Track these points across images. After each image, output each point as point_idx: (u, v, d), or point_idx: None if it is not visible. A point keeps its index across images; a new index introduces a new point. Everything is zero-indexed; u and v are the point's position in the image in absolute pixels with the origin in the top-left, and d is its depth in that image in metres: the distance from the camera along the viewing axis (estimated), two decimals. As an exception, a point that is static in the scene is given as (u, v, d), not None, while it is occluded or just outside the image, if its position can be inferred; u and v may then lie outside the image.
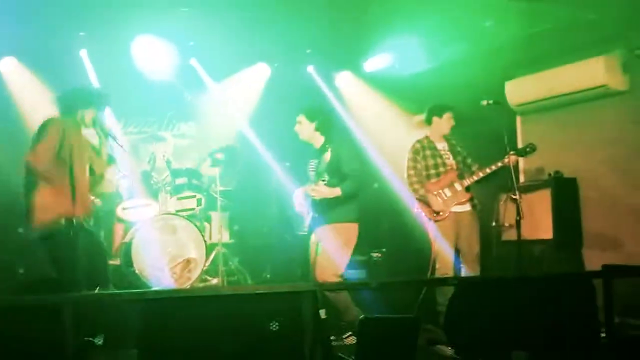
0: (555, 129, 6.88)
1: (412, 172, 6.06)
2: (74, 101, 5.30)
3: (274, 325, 3.73)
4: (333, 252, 5.41)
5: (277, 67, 8.67)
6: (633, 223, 6.12)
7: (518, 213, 5.26)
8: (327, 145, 5.52)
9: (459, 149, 6.09)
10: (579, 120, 6.71)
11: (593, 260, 6.20)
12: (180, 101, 8.50)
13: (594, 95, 6.45)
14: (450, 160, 6.05)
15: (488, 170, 5.83)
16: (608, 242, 6.24)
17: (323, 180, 5.47)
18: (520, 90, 7.04)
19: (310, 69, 8.76)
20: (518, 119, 7.30)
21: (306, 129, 5.58)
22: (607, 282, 4.32)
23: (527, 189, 6.54)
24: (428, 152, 6.07)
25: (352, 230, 5.50)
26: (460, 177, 5.97)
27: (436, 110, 6.11)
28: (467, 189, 5.93)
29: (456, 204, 5.90)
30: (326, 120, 5.64)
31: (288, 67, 8.65)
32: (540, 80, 6.85)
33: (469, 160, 6.06)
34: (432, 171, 6.02)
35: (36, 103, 7.53)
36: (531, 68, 6.99)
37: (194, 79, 8.30)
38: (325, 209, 5.45)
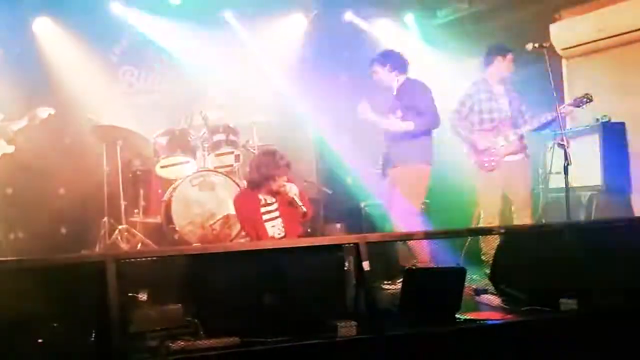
0: (602, 72, 6.69)
1: (456, 115, 5.93)
2: None
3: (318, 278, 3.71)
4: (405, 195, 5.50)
5: (315, 17, 8.49)
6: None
7: (566, 159, 5.11)
8: (403, 87, 5.65)
9: (515, 94, 5.90)
10: (627, 63, 6.51)
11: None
12: (215, 56, 8.39)
13: (643, 37, 6.22)
14: (507, 106, 5.86)
15: (543, 120, 5.66)
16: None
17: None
18: (566, 33, 6.85)
19: (349, 15, 8.57)
20: (564, 63, 7.09)
21: (384, 76, 5.72)
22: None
23: (575, 134, 6.38)
24: (483, 96, 5.88)
25: (423, 172, 5.53)
26: (515, 125, 5.79)
27: (499, 50, 5.92)
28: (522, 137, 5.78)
29: (509, 154, 5.76)
30: (400, 62, 5.71)
31: (326, 16, 8.48)
32: (588, 22, 6.66)
33: (523, 107, 5.87)
34: (486, 116, 5.85)
35: (71, 62, 7.54)
36: (578, 9, 6.75)
37: (228, 30, 8.18)
38: (399, 149, 5.52)
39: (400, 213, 5.50)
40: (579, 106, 5.62)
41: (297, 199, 5.26)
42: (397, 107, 5.65)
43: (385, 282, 5.09)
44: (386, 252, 5.36)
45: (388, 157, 5.77)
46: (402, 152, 5.61)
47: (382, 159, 5.86)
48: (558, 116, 5.44)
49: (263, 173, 5.27)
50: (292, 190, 5.29)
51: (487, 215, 5.79)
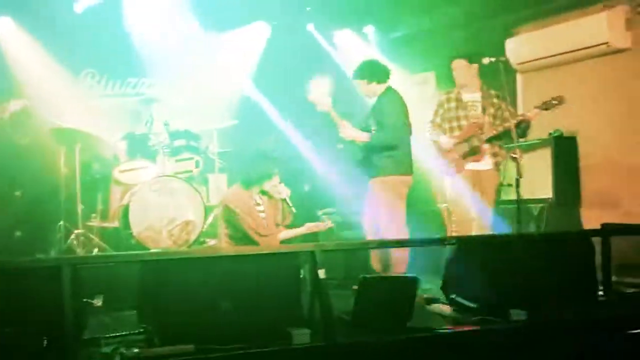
0: (555, 87, 6.71)
1: (429, 124, 6.09)
2: None
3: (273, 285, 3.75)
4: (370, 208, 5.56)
5: (277, 26, 8.57)
6: (632, 182, 6.12)
7: (518, 172, 5.23)
8: (379, 98, 5.69)
9: (494, 100, 5.92)
10: (580, 79, 6.64)
11: (591, 219, 6.20)
12: (178, 61, 8.39)
13: (596, 53, 6.38)
14: (477, 112, 5.95)
15: (506, 125, 5.68)
16: (607, 200, 6.24)
17: (369, 131, 5.60)
18: (521, 48, 6.96)
19: (311, 27, 8.67)
20: (518, 77, 7.23)
21: (364, 88, 5.75)
22: (605, 240, 4.33)
23: (527, 147, 6.49)
24: (453, 104, 6.02)
25: (387, 184, 5.54)
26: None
27: (464, 57, 6.04)
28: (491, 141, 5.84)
29: (472, 161, 5.87)
30: (377, 72, 5.74)
31: (288, 26, 8.57)
32: (542, 38, 6.78)
33: (504, 114, 5.83)
34: (455, 124, 5.97)
35: (32, 63, 7.47)
36: (533, 25, 6.90)
37: (191, 36, 8.19)
38: (365, 162, 5.59)
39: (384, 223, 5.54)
40: (547, 109, 5.64)
41: (288, 201, 5.40)
42: (371, 119, 5.71)
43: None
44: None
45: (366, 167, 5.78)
46: (378, 163, 5.63)
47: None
48: (524, 120, 5.62)
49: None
50: (284, 192, 5.43)
51: (456, 224, 5.95)
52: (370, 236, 5.59)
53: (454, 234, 6.01)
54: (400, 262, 5.39)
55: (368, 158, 5.64)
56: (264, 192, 5.69)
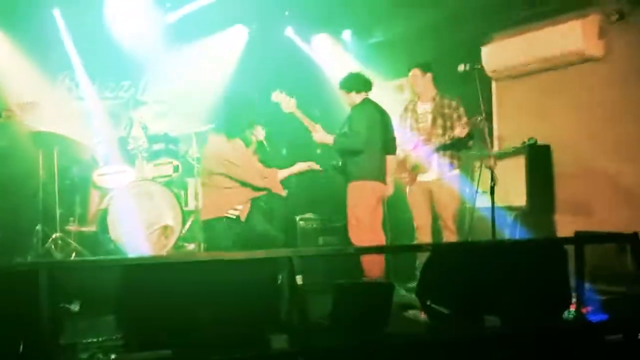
0: (530, 95, 6.88)
1: (397, 134, 6.18)
2: None
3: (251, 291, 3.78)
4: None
5: (255, 30, 8.61)
6: (605, 189, 6.18)
7: (492, 179, 5.30)
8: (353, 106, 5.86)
9: (446, 111, 6.03)
10: (554, 86, 6.69)
11: (565, 226, 6.26)
12: (156, 65, 8.39)
13: (570, 61, 6.45)
14: (427, 124, 6.05)
15: (439, 144, 5.89)
16: (580, 208, 6.29)
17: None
18: (496, 56, 7.00)
19: (289, 31, 8.71)
20: (493, 85, 7.26)
21: (349, 99, 5.92)
22: (579, 248, 4.40)
23: (502, 155, 6.56)
24: (409, 115, 6.18)
25: (357, 188, 5.68)
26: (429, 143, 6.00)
27: (418, 66, 6.17)
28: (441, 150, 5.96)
29: (419, 172, 6.03)
30: (357, 82, 5.91)
31: (266, 30, 8.61)
32: (517, 45, 6.81)
33: (454, 124, 5.95)
34: (408, 134, 6.11)
35: (9, 66, 7.43)
36: (508, 33, 6.98)
37: (169, 40, 8.20)
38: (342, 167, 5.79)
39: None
40: (473, 126, 5.76)
41: (264, 142, 5.56)
42: (344, 128, 5.87)
43: None
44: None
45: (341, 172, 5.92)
46: (347, 168, 5.79)
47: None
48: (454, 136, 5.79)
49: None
50: (260, 134, 5.56)
51: (418, 233, 6.04)
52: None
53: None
54: (376, 266, 5.47)
55: (344, 163, 5.81)
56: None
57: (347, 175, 5.79)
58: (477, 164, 6.21)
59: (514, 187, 6.32)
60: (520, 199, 6.33)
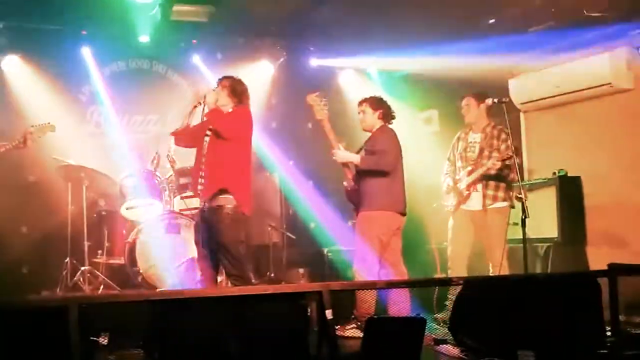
0: (559, 126, 6.86)
1: (446, 163, 6.16)
2: None
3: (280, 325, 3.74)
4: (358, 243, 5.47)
5: (280, 65, 8.74)
6: (638, 221, 6.10)
7: (523, 212, 5.23)
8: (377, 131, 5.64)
9: (494, 142, 5.89)
10: (584, 118, 6.67)
11: (598, 258, 6.16)
12: (182, 99, 8.48)
13: (599, 93, 6.43)
14: (474, 154, 5.97)
15: (481, 171, 5.79)
16: (613, 240, 6.22)
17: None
18: (524, 88, 7.01)
19: (314, 64, 8.80)
20: (522, 116, 7.26)
21: (370, 118, 5.67)
22: (613, 280, 4.32)
23: (533, 187, 6.54)
24: (461, 144, 6.11)
25: (375, 219, 5.45)
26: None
27: (472, 96, 6.06)
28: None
29: (465, 201, 5.93)
30: (388, 108, 5.72)
31: (291, 65, 8.71)
32: (545, 78, 6.82)
33: (492, 154, 5.83)
34: (461, 164, 6.03)
35: (39, 100, 7.55)
36: (535, 65, 6.96)
37: (196, 75, 8.30)
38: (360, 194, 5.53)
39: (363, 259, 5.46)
40: (503, 161, 5.65)
41: None
42: (362, 149, 5.67)
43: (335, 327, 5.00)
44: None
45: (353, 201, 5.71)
46: (367, 197, 5.55)
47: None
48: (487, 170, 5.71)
49: None
50: None
51: (452, 264, 5.96)
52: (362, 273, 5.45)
53: (451, 273, 5.99)
54: (402, 302, 5.31)
55: (360, 190, 5.57)
56: None
57: (369, 203, 5.49)
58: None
59: (545, 219, 6.27)
60: (551, 230, 6.27)
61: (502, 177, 5.82)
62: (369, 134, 5.72)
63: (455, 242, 6.00)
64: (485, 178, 5.84)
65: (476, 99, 5.98)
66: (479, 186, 5.88)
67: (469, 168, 5.92)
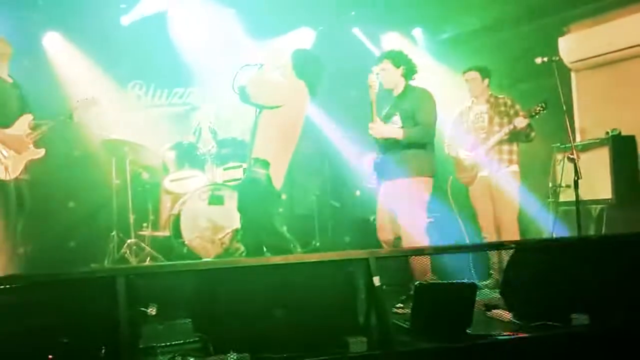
0: (611, 85, 6.67)
1: (448, 134, 6.12)
2: None
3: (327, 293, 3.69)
4: (399, 210, 5.26)
5: (322, 31, 8.55)
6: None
7: (576, 173, 5.08)
8: (407, 92, 5.40)
9: (502, 109, 5.88)
10: (636, 75, 6.46)
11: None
12: (223, 70, 8.43)
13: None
14: (484, 124, 5.91)
15: (497, 138, 5.74)
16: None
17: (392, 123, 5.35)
18: (575, 47, 6.82)
19: (356, 30, 8.62)
20: (573, 76, 7.06)
21: (391, 75, 5.40)
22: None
23: (585, 147, 6.35)
24: (464, 117, 6.07)
25: (423, 185, 5.29)
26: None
27: (474, 70, 6.02)
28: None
29: (482, 169, 5.87)
30: (411, 66, 5.45)
31: (333, 31, 8.54)
32: (597, 35, 6.63)
33: (511, 126, 5.76)
34: (473, 134, 5.98)
35: (80, 76, 7.59)
36: (585, 23, 6.73)
37: (237, 45, 8.22)
38: (395, 160, 5.31)
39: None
40: (532, 116, 5.64)
41: None
42: (396, 112, 5.41)
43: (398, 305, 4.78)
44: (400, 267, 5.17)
45: (382, 169, 5.50)
46: (398, 164, 5.34)
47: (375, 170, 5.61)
48: (515, 130, 5.65)
49: None
50: None
51: (483, 229, 5.91)
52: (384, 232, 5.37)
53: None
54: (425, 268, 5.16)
55: (388, 159, 5.38)
56: None
57: (405, 170, 5.26)
58: (560, 157, 6.02)
59: (598, 180, 6.10)
60: (605, 192, 6.10)
61: (518, 138, 5.80)
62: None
63: (480, 211, 5.96)
64: (502, 142, 5.80)
65: (481, 74, 5.97)
66: (491, 152, 5.85)
67: (483, 136, 5.87)
